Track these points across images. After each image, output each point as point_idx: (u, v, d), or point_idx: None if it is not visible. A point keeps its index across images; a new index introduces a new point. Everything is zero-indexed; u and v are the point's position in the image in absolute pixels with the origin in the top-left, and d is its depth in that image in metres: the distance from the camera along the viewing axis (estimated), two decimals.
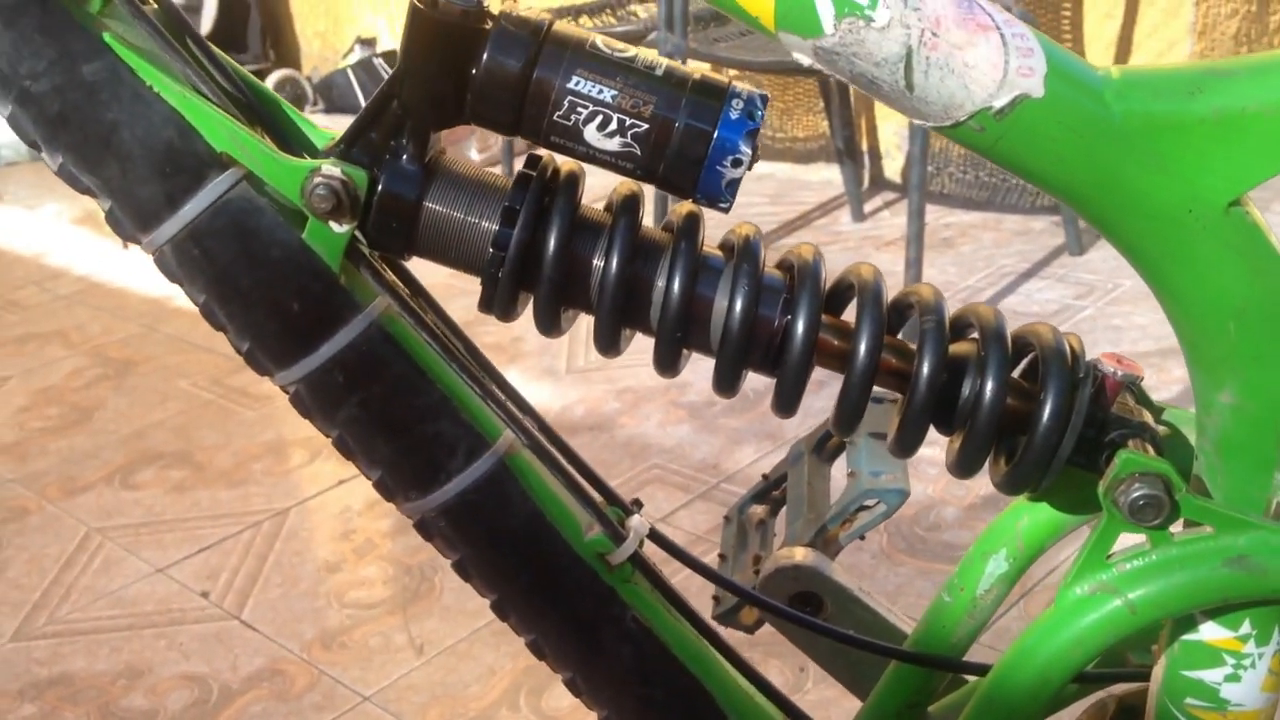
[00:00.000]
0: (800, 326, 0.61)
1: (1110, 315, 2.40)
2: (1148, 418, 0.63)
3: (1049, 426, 0.60)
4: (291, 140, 0.64)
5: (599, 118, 0.57)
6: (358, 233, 0.62)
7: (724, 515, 0.96)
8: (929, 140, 2.70)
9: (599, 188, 0.61)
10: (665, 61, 0.58)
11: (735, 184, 0.58)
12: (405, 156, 0.60)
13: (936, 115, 0.53)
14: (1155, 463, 0.59)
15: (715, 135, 0.57)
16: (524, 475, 0.66)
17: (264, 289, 0.61)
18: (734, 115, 0.57)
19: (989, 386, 0.61)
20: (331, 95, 4.43)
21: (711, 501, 1.89)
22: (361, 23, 4.60)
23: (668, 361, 0.63)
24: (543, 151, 0.61)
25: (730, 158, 0.57)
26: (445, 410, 0.64)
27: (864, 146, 3.33)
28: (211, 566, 1.85)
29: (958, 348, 0.63)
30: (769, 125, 3.49)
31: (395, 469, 0.65)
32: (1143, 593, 0.60)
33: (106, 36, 0.59)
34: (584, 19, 3.12)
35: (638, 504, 0.72)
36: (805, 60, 0.54)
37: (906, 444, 0.63)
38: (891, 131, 3.27)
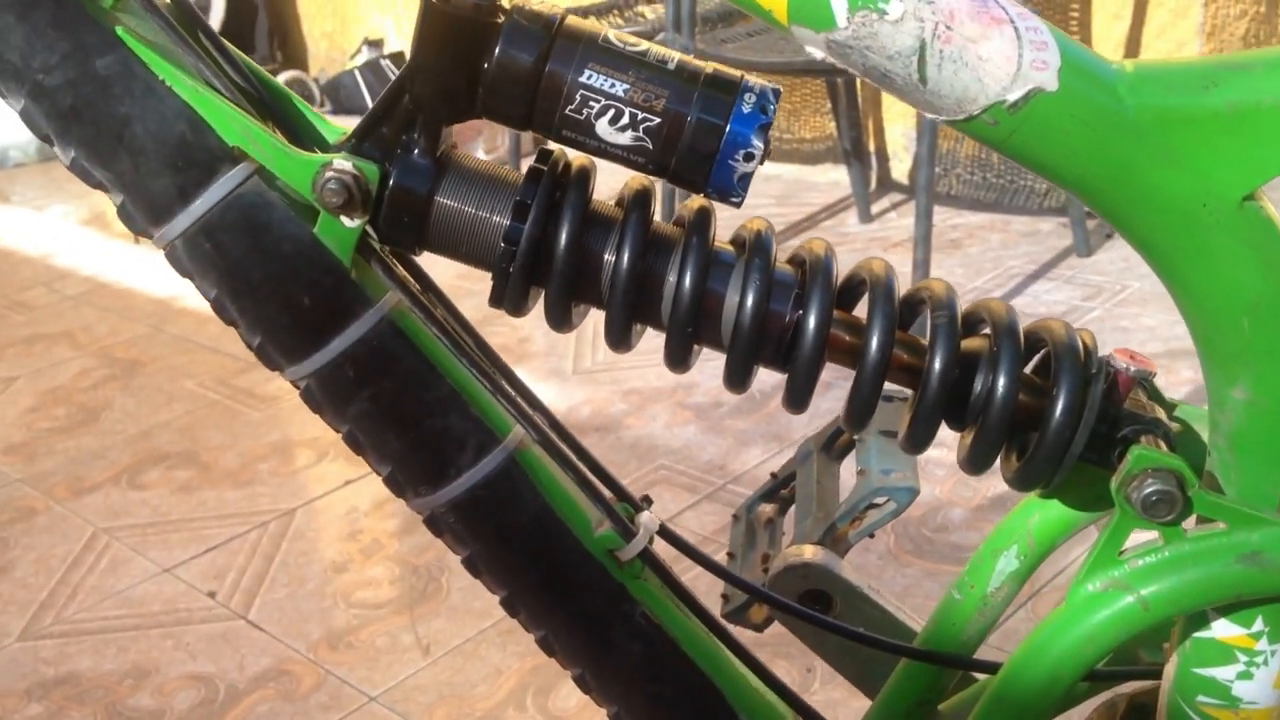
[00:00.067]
0: (812, 322, 0.61)
1: (1118, 317, 2.40)
2: (1160, 414, 0.63)
3: (1061, 422, 0.60)
4: (303, 135, 0.64)
5: (611, 112, 0.57)
6: (369, 227, 0.62)
7: (732, 514, 0.96)
8: (936, 141, 2.69)
9: (604, 188, 0.61)
10: (677, 55, 0.58)
11: (747, 178, 0.58)
12: (417, 151, 0.60)
13: (949, 109, 0.53)
14: (1168, 458, 0.58)
15: (727, 129, 0.57)
16: (534, 471, 0.66)
17: (275, 283, 0.61)
18: (746, 109, 0.57)
19: (1001, 382, 0.60)
20: (339, 96, 4.43)
21: (718, 502, 1.89)
22: (369, 24, 4.61)
23: (679, 357, 0.63)
24: (554, 146, 0.61)
25: (742, 152, 0.57)
26: (455, 405, 0.64)
27: (871, 148, 3.33)
28: (218, 566, 1.85)
29: (970, 343, 0.62)
30: (776, 126, 3.49)
31: (405, 464, 0.65)
32: (1155, 589, 0.60)
33: (119, 30, 0.59)
34: (591, 20, 3.12)
35: (647, 500, 0.72)
36: (818, 54, 0.53)
37: (918, 440, 0.63)
38: (899, 133, 3.27)
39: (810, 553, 0.81)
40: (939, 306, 0.62)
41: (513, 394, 0.66)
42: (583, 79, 0.57)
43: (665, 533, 0.72)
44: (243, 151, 0.60)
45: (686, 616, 0.71)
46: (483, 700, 1.51)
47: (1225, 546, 0.59)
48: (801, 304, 0.61)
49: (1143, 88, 0.54)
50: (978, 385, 0.62)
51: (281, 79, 4.47)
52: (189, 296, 2.91)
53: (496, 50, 0.57)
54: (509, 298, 0.62)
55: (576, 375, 2.38)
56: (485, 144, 3.66)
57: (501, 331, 2.55)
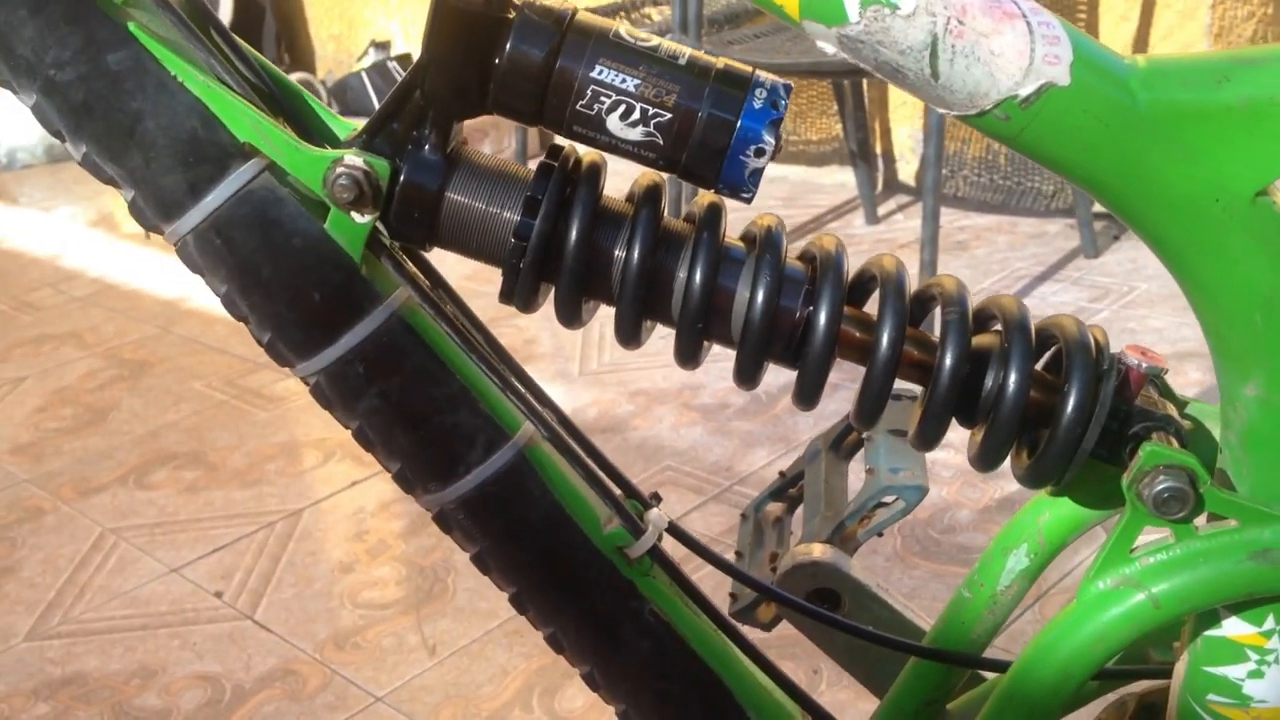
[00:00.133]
0: (822, 318, 0.61)
1: (1126, 318, 2.40)
2: (1172, 410, 0.63)
3: (1072, 419, 0.60)
4: (314, 131, 0.64)
5: (622, 107, 0.57)
6: (379, 223, 0.62)
7: (740, 513, 0.96)
8: (943, 143, 2.69)
9: (614, 186, 0.61)
10: (688, 51, 0.58)
11: (758, 174, 0.58)
12: (427, 147, 0.60)
13: (961, 104, 0.53)
14: (1180, 455, 0.58)
15: (739, 125, 0.57)
16: (543, 468, 0.66)
17: (285, 279, 0.61)
18: (757, 104, 0.57)
19: (1012, 379, 0.60)
20: (346, 98, 4.43)
21: (725, 504, 1.89)
22: (376, 27, 4.61)
23: (689, 353, 0.63)
24: (564, 142, 0.61)
25: (753, 147, 0.57)
26: (465, 402, 0.64)
27: (878, 149, 3.33)
28: (225, 566, 1.85)
29: (981, 340, 0.62)
30: (782, 128, 3.49)
31: (415, 460, 0.65)
32: (1166, 587, 0.60)
33: (131, 25, 0.59)
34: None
35: (656, 498, 0.72)
36: (829, 49, 0.53)
37: (928, 437, 0.62)
38: (905, 134, 3.27)
39: (819, 551, 0.81)
40: (950, 303, 0.62)
41: (522, 391, 0.66)
42: (594, 74, 0.57)
43: (674, 530, 0.72)
44: (254, 147, 0.60)
45: (695, 614, 0.71)
46: (489, 701, 1.51)
47: (1237, 544, 0.59)
48: (812, 300, 0.61)
49: (1155, 83, 0.54)
50: (988, 382, 0.62)
51: None
52: (196, 297, 2.92)
53: (508, 46, 0.57)
54: (519, 294, 0.62)
55: (583, 376, 2.38)
56: (492, 145, 3.67)
57: (507, 333, 2.55)
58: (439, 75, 0.59)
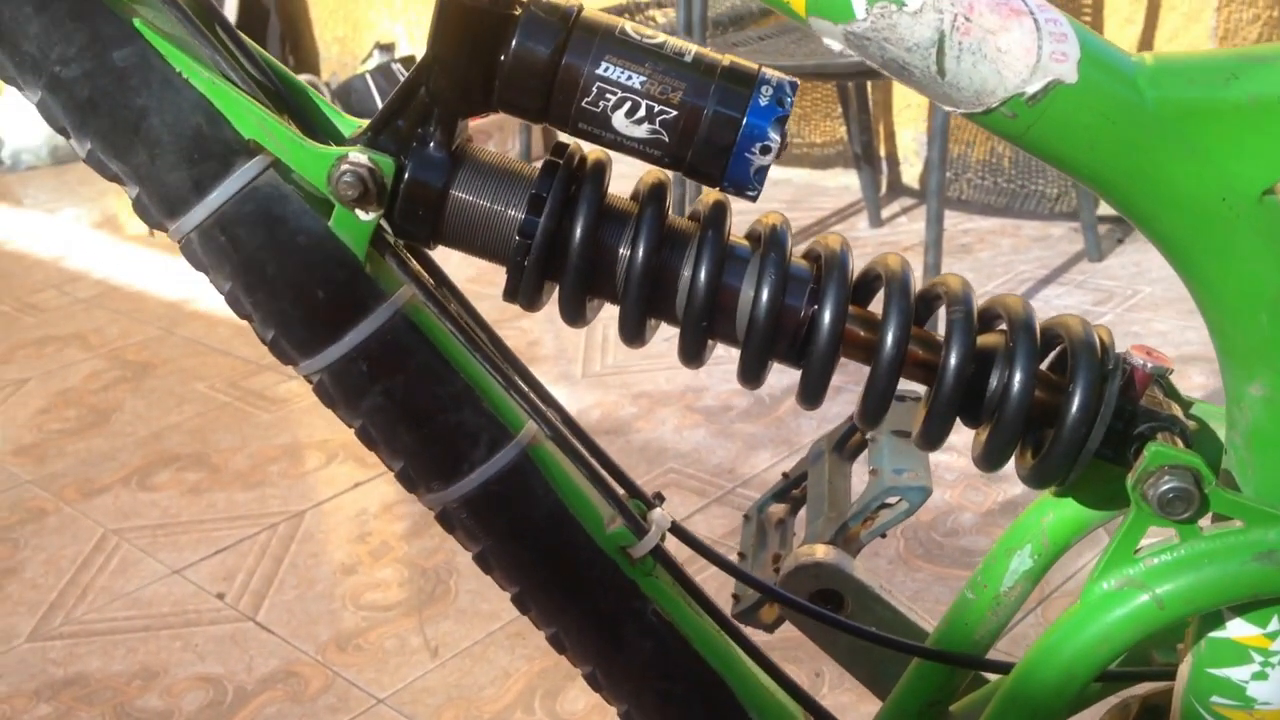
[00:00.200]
0: (827, 317, 0.60)
1: (1129, 321, 2.39)
2: (1177, 411, 0.63)
3: (1077, 418, 0.60)
4: (319, 128, 0.64)
5: (627, 104, 0.57)
6: (384, 221, 0.61)
7: (744, 514, 0.96)
8: (948, 146, 2.69)
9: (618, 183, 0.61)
10: (695, 48, 0.58)
11: (763, 172, 0.58)
12: (432, 144, 0.60)
13: (968, 101, 0.53)
14: (1185, 455, 0.58)
15: (744, 122, 0.57)
16: (547, 467, 0.66)
17: (289, 277, 0.61)
18: (763, 102, 0.57)
19: (1017, 378, 0.60)
20: (350, 100, 4.43)
21: (728, 506, 1.88)
22: (380, 28, 4.62)
23: (693, 352, 0.62)
24: (569, 139, 0.61)
25: (759, 145, 0.57)
26: (469, 400, 0.64)
27: (882, 152, 3.33)
28: (227, 568, 1.85)
29: (986, 339, 0.62)
30: (786, 130, 3.49)
31: (418, 459, 0.65)
32: (1171, 588, 0.60)
33: (137, 22, 0.59)
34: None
35: (659, 498, 0.72)
36: (836, 46, 0.53)
37: (933, 436, 0.62)
38: (910, 137, 3.27)
39: (822, 552, 0.81)
40: (955, 302, 0.61)
41: (525, 390, 0.66)
42: (599, 71, 0.57)
43: (677, 530, 0.71)
44: (258, 144, 0.60)
45: (698, 614, 0.71)
46: (491, 703, 1.51)
47: (1242, 545, 0.59)
48: (817, 299, 0.61)
49: (1163, 80, 0.53)
50: (993, 381, 0.61)
51: None
52: (200, 299, 2.92)
53: (513, 42, 0.57)
54: (523, 292, 0.61)
55: (586, 379, 2.38)
56: (497, 145, 3.67)
57: (511, 335, 2.55)
58: (444, 72, 0.59)
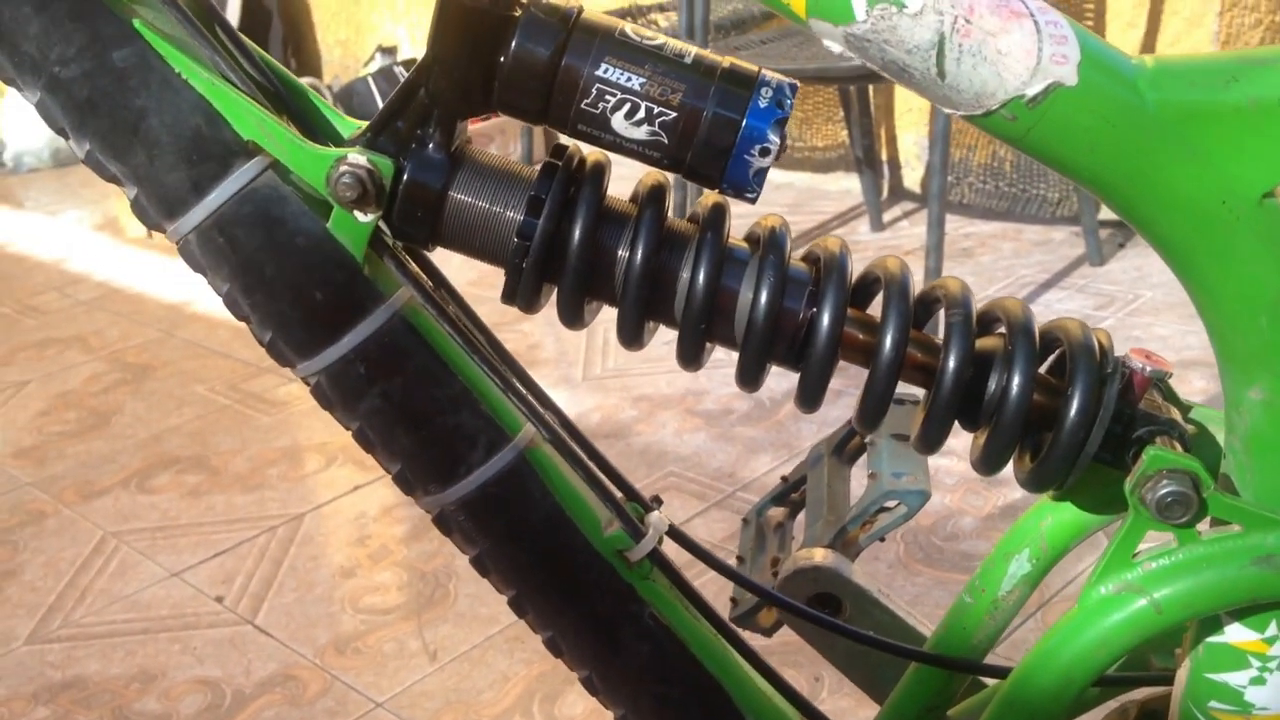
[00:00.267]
0: (825, 320, 0.60)
1: (1131, 326, 2.39)
2: (1176, 415, 0.63)
3: (1075, 422, 0.60)
4: (318, 129, 0.64)
5: (627, 106, 0.57)
6: (382, 223, 0.61)
7: (742, 518, 0.95)
8: (949, 150, 2.69)
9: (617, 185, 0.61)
10: (694, 50, 0.58)
11: (763, 174, 0.57)
12: (431, 145, 0.60)
13: (968, 104, 0.53)
14: (1183, 459, 0.58)
15: (743, 124, 0.56)
16: (544, 469, 0.66)
17: (288, 278, 0.61)
18: (763, 104, 0.56)
19: (1016, 381, 0.60)
20: (352, 103, 4.43)
21: (727, 510, 1.88)
22: (383, 31, 4.62)
23: (691, 354, 0.62)
24: (569, 141, 0.61)
25: (758, 147, 0.57)
26: (466, 403, 0.64)
27: (883, 156, 3.33)
28: (226, 571, 1.85)
29: (984, 342, 0.62)
30: (788, 134, 3.49)
31: (415, 461, 0.65)
32: (1169, 592, 0.59)
33: (136, 23, 0.59)
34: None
35: (657, 501, 0.72)
36: (836, 47, 0.53)
37: (931, 440, 0.62)
38: (911, 141, 3.27)
39: (820, 556, 0.81)
40: (954, 305, 0.61)
41: (523, 392, 0.66)
42: (599, 72, 0.57)
43: (675, 534, 0.71)
44: (257, 145, 0.60)
45: (695, 618, 0.71)
46: (489, 707, 1.51)
47: (1240, 549, 0.59)
48: (815, 301, 0.61)
49: (1163, 83, 0.53)
50: (992, 384, 0.61)
51: None
52: (200, 302, 2.92)
53: (513, 43, 0.57)
54: (522, 294, 0.61)
55: (586, 382, 2.37)
56: (499, 148, 3.67)
57: (511, 338, 2.55)
58: (444, 73, 0.59)
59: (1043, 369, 0.63)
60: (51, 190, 4.13)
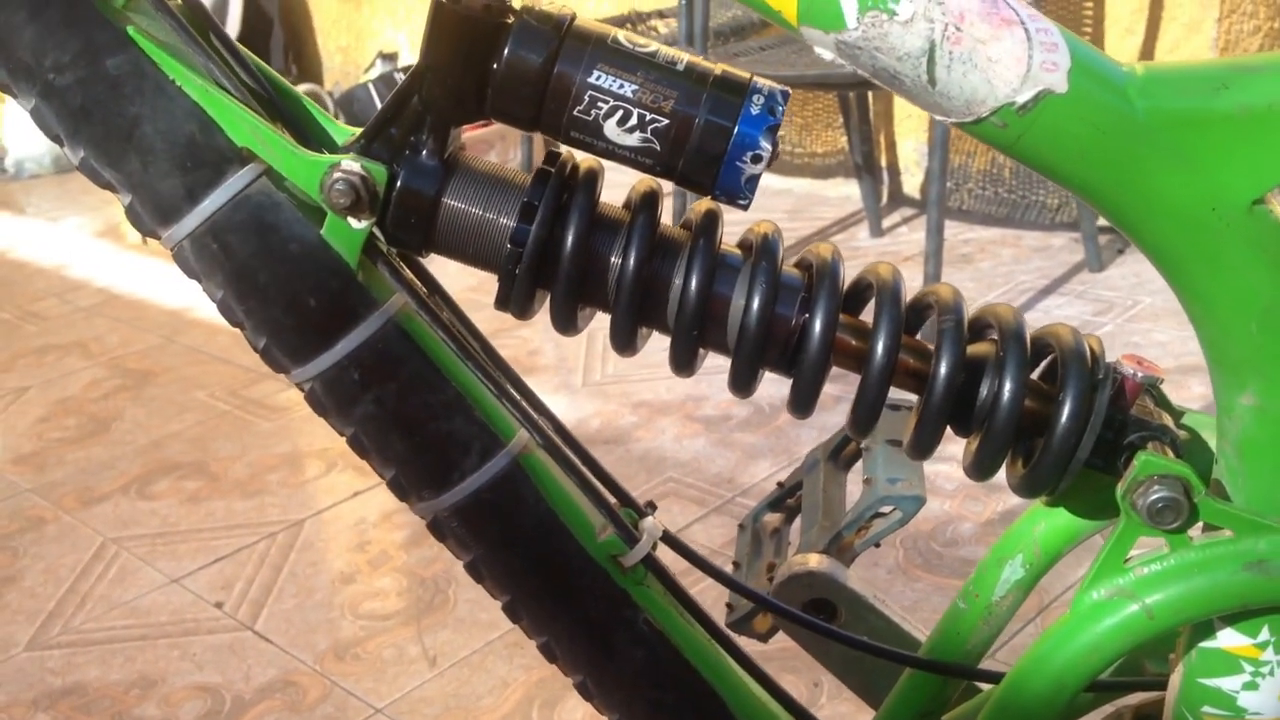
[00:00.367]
0: (818, 325, 0.60)
1: (1130, 332, 2.39)
2: (1168, 420, 0.63)
3: (1067, 428, 0.60)
4: (312, 136, 0.64)
5: (619, 113, 0.57)
6: (376, 229, 0.62)
7: (739, 524, 0.96)
8: (948, 156, 2.69)
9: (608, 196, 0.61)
10: (686, 57, 0.58)
11: (755, 180, 0.58)
12: (425, 152, 0.60)
13: (958, 111, 0.53)
14: (1174, 465, 0.58)
15: (735, 131, 0.57)
16: (538, 475, 0.66)
17: (282, 285, 0.61)
18: (755, 111, 0.57)
19: (1007, 387, 0.60)
20: (353, 109, 4.44)
21: (727, 515, 1.88)
22: (383, 38, 4.62)
23: (684, 360, 0.63)
24: (562, 148, 0.61)
25: (750, 154, 0.57)
26: (460, 409, 0.64)
27: (883, 162, 3.33)
28: (226, 577, 1.85)
29: (976, 348, 0.62)
30: (788, 141, 3.50)
31: (409, 467, 0.65)
32: (1160, 597, 0.60)
33: (130, 30, 0.59)
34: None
35: (651, 506, 0.72)
36: (827, 55, 0.53)
37: (923, 445, 0.62)
38: (911, 147, 3.27)
39: (815, 561, 0.81)
40: (945, 311, 0.61)
41: (517, 398, 0.66)
42: (591, 80, 0.57)
43: (669, 539, 0.71)
44: (251, 152, 0.60)
45: (690, 624, 0.71)
46: (489, 713, 1.51)
47: (1232, 554, 0.59)
48: (808, 308, 0.61)
49: (1153, 90, 0.53)
50: (984, 390, 0.61)
51: None
52: (200, 307, 2.92)
53: (506, 50, 0.57)
54: (515, 300, 0.62)
55: (586, 388, 2.38)
56: (498, 157, 3.67)
57: (511, 344, 2.55)
58: (437, 81, 0.59)
59: (1035, 375, 0.64)
60: (53, 196, 4.14)
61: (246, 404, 2.43)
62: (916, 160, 3.26)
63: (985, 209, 3.09)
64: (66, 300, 3.13)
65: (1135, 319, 2.46)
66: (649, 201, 0.61)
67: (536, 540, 0.66)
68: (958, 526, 1.79)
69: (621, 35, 0.58)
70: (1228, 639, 0.62)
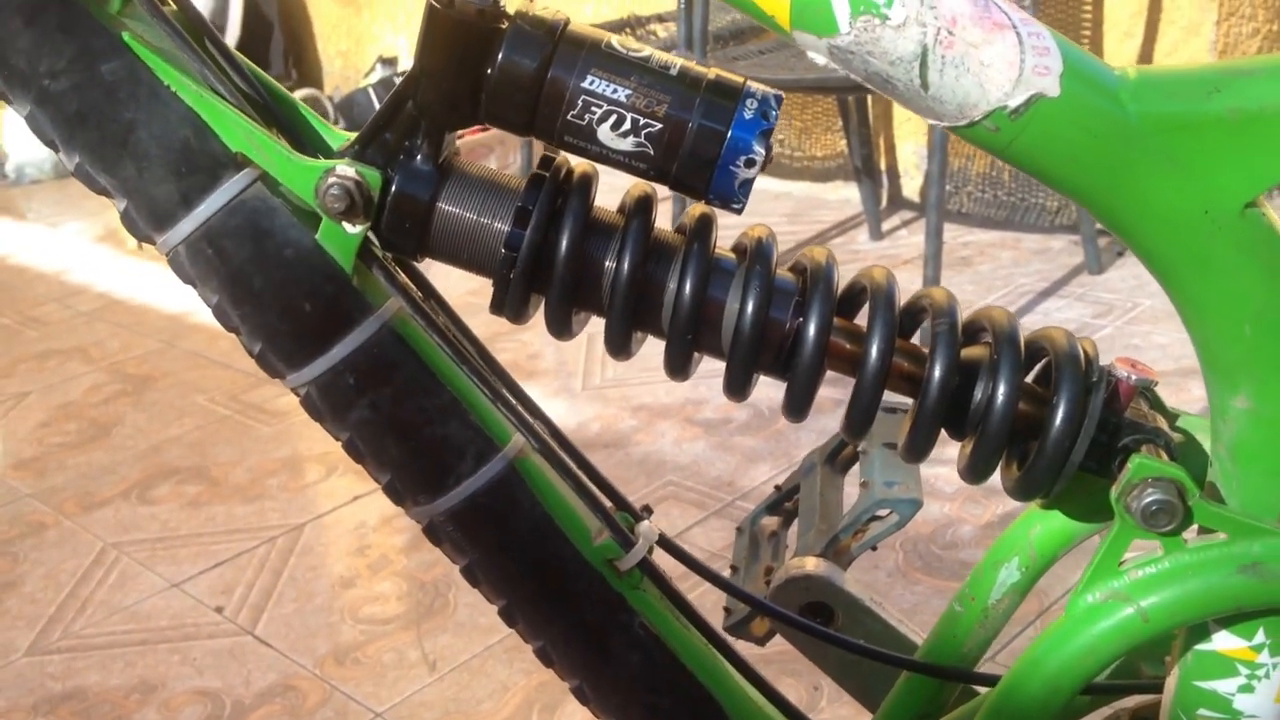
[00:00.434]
0: (812, 329, 0.61)
1: (1129, 334, 2.39)
2: (1162, 423, 0.63)
3: (1061, 431, 0.60)
4: (307, 141, 0.64)
5: (613, 117, 0.57)
6: (371, 234, 0.62)
7: (736, 527, 0.96)
8: (948, 159, 2.69)
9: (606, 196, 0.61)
10: (680, 61, 0.58)
11: (748, 184, 0.58)
12: (419, 157, 0.60)
13: (951, 115, 0.53)
14: (1168, 468, 0.58)
15: (729, 135, 0.57)
16: (533, 479, 0.66)
17: (277, 290, 0.61)
18: (748, 115, 0.57)
19: (1001, 390, 0.60)
20: (353, 114, 4.44)
21: (726, 519, 1.88)
22: (383, 43, 4.63)
23: (678, 364, 0.63)
24: (557, 153, 0.61)
25: (744, 158, 0.57)
26: (455, 413, 0.64)
27: (882, 165, 3.33)
28: (226, 582, 1.85)
29: (970, 351, 0.62)
30: (787, 144, 3.50)
31: (405, 472, 0.65)
32: (1155, 600, 0.60)
33: (125, 36, 0.59)
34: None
35: (647, 510, 0.72)
36: (820, 59, 0.53)
37: (918, 448, 0.62)
38: (910, 150, 3.27)
39: (812, 565, 0.81)
40: (940, 314, 0.62)
41: (513, 402, 0.66)
42: (585, 84, 0.57)
43: (665, 543, 0.71)
44: (246, 157, 0.60)
45: (686, 628, 0.71)
46: (489, 717, 1.51)
47: (1226, 557, 0.59)
48: (802, 311, 0.61)
49: (1145, 94, 0.54)
50: (978, 393, 0.62)
51: (297, 97, 4.49)
52: (201, 313, 2.92)
53: (500, 56, 0.57)
54: (509, 304, 0.62)
55: (586, 392, 2.38)
56: (497, 161, 3.67)
57: (511, 348, 2.55)
58: (431, 86, 0.59)
59: (1029, 378, 0.64)
60: (53, 202, 4.14)
61: (247, 409, 2.43)
62: (916, 163, 3.27)
63: (985, 212, 3.09)
64: (67, 305, 3.13)
65: (1135, 321, 2.46)
66: (643, 206, 0.61)
67: (532, 544, 0.66)
68: (957, 529, 1.79)
69: (615, 40, 0.58)
70: (1223, 642, 0.62)
